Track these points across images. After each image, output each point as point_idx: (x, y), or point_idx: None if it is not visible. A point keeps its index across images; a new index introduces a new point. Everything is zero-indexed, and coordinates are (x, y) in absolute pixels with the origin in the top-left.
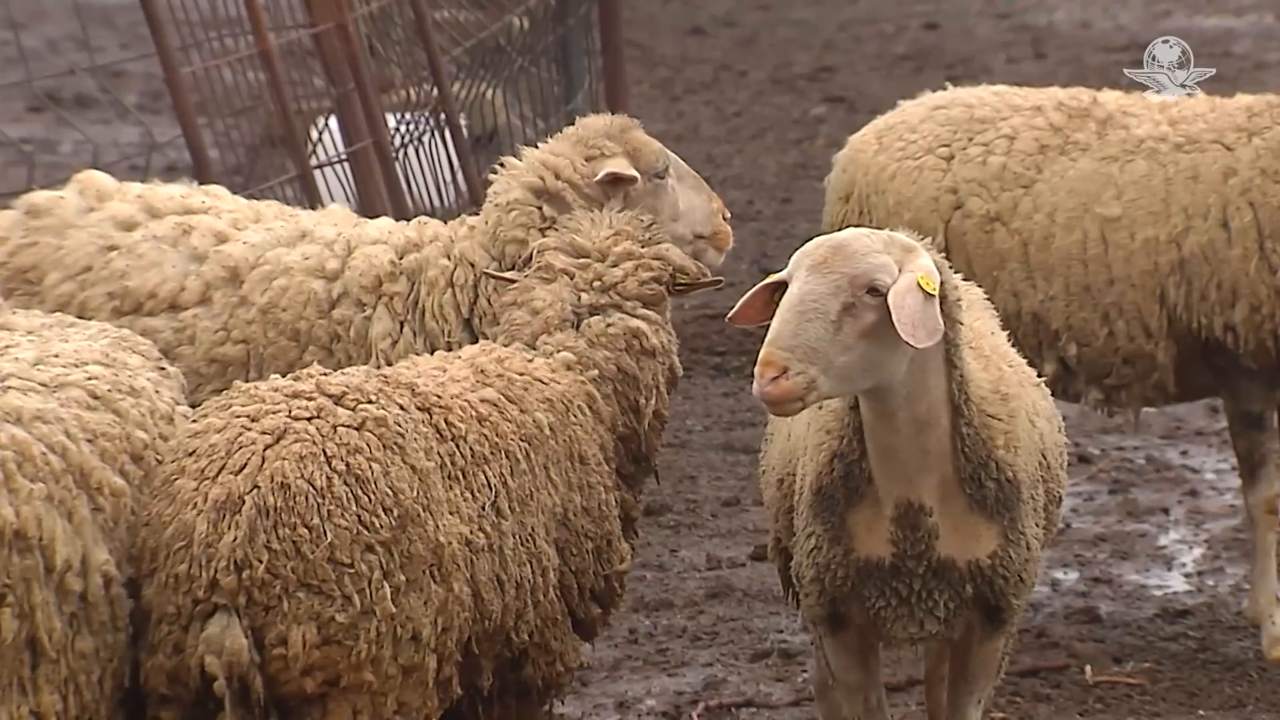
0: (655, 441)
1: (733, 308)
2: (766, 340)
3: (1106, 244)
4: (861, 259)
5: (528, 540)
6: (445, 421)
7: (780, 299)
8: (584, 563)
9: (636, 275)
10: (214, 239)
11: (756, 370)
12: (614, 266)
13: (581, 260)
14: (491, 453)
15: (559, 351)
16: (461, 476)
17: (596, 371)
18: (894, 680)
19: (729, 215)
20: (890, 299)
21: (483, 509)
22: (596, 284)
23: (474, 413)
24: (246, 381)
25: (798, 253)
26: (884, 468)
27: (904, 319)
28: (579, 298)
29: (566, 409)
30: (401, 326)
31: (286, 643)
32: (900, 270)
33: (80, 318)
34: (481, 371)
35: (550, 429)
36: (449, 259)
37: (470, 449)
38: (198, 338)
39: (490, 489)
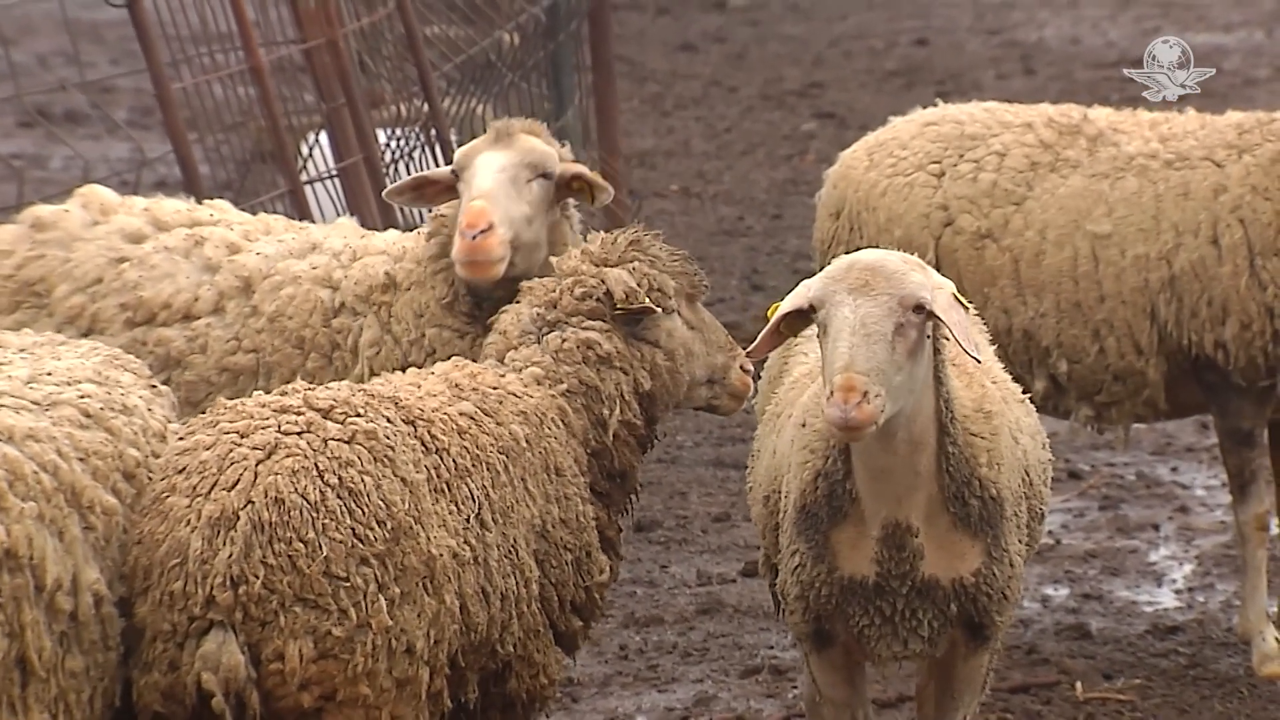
0: (630, 457)
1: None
2: (839, 366)
3: (1097, 261)
4: (903, 278)
5: (511, 552)
6: (429, 434)
7: (788, 328)
8: (564, 574)
9: (572, 291)
10: (227, 250)
11: (838, 396)
12: (560, 283)
13: (545, 280)
14: (473, 465)
15: (527, 367)
16: (446, 489)
17: (565, 385)
18: (884, 697)
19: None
20: (944, 317)
21: (467, 521)
22: (548, 300)
23: (454, 425)
24: (256, 390)
25: (823, 278)
26: (874, 489)
27: (962, 335)
28: (534, 314)
29: (540, 422)
30: (386, 335)
31: (283, 657)
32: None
33: (91, 329)
34: (456, 386)
35: (526, 441)
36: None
37: (454, 461)
38: (210, 347)
39: (474, 501)
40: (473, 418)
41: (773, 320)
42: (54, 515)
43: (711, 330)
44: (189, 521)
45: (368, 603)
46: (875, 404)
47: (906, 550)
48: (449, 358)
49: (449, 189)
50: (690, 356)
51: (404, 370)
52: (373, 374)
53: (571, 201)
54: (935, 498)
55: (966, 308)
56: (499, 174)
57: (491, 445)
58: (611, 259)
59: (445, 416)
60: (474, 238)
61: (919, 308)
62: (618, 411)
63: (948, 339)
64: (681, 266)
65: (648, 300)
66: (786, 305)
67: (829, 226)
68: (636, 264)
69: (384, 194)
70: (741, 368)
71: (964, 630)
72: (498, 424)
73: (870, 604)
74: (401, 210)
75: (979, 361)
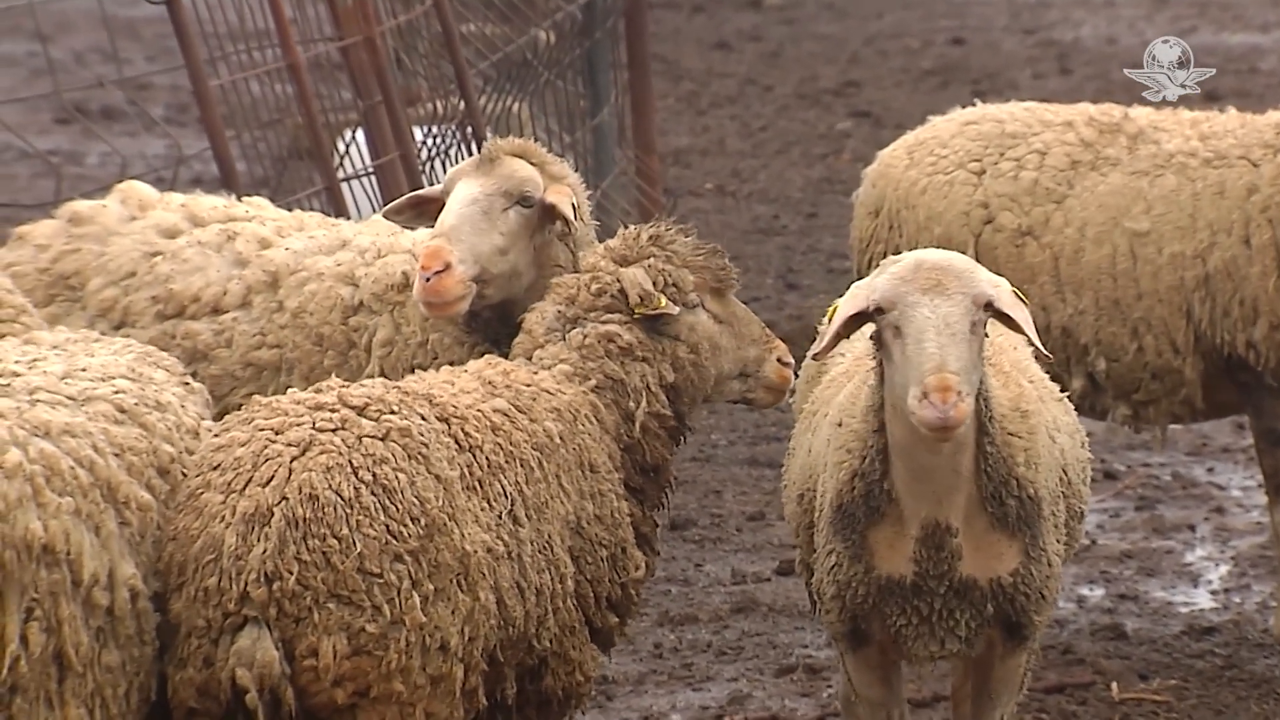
0: (662, 450)
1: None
2: (931, 366)
3: (1135, 258)
4: (973, 276)
5: (545, 548)
6: (463, 431)
7: (846, 330)
8: (599, 570)
9: (589, 288)
10: (258, 244)
11: (934, 397)
12: (580, 279)
13: (568, 277)
14: (507, 461)
15: (556, 364)
16: (479, 486)
17: (593, 381)
18: (919, 696)
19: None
20: (1013, 313)
21: (500, 517)
22: (568, 297)
23: (488, 422)
24: (278, 386)
25: (890, 280)
26: (915, 489)
27: (1031, 331)
28: (557, 311)
29: (574, 418)
30: (398, 336)
31: (317, 654)
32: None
33: (123, 323)
34: (489, 383)
35: (560, 438)
36: None
37: (487, 458)
38: (235, 341)
39: (507, 497)
40: (506, 414)
41: (835, 323)
42: (90, 510)
43: (744, 323)
44: (223, 518)
45: (401, 599)
46: (968, 402)
47: (945, 550)
48: (450, 363)
49: (443, 205)
50: (716, 350)
51: (412, 372)
52: (383, 374)
53: (582, 222)
54: (973, 497)
55: (1026, 304)
56: (468, 207)
57: (525, 442)
58: (631, 255)
59: (479, 414)
60: (428, 279)
61: (988, 305)
62: (644, 403)
63: (988, 335)
64: (705, 260)
65: (663, 301)
66: (847, 308)
67: (867, 225)
68: (653, 260)
69: (382, 212)
70: (780, 360)
71: (1001, 630)
72: (531, 421)
73: (907, 603)
74: None
75: (1049, 358)
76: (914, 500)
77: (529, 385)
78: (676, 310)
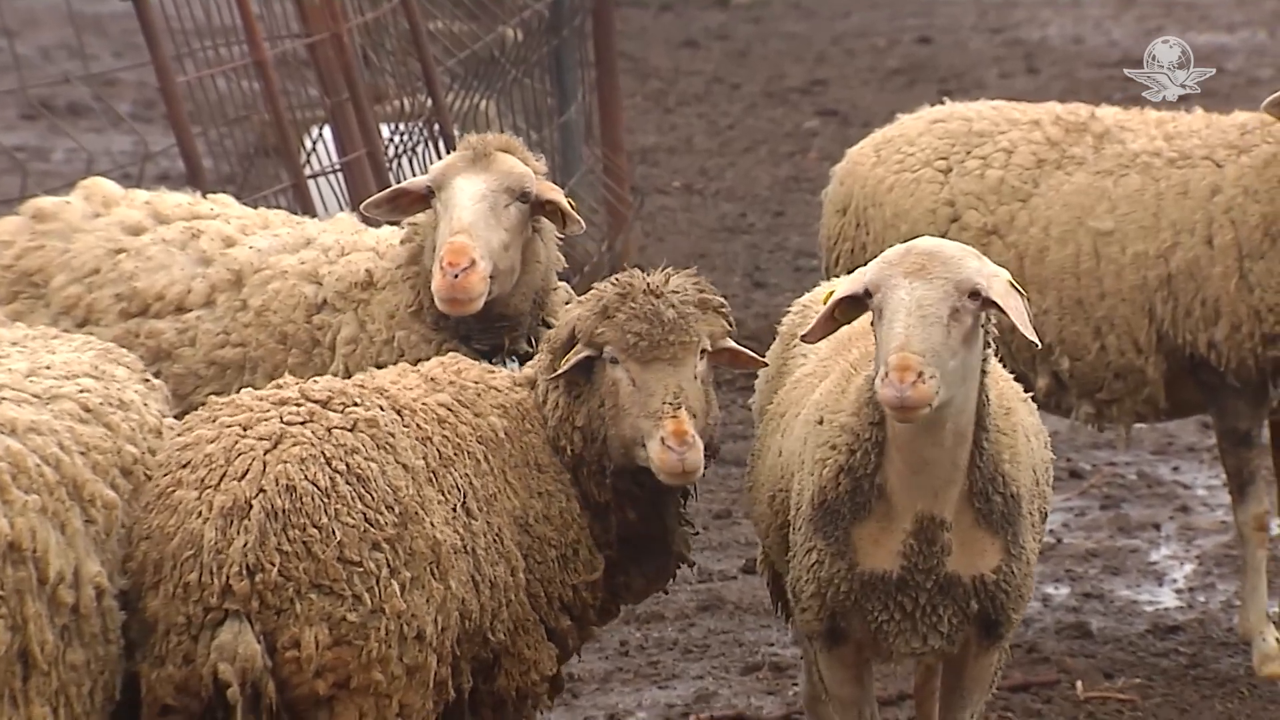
0: (593, 486)
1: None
2: (894, 345)
3: (1099, 258)
4: (960, 264)
5: (496, 540)
6: (416, 424)
7: (842, 314)
8: (549, 570)
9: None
10: (222, 243)
11: (893, 376)
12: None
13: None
14: (455, 454)
15: (525, 369)
16: (434, 478)
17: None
18: (885, 694)
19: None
20: (1002, 303)
21: (454, 510)
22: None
23: (434, 415)
24: (242, 385)
25: (879, 263)
26: (913, 482)
27: (1020, 321)
28: None
29: (521, 417)
30: (362, 333)
31: (300, 645)
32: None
33: (87, 320)
34: (432, 379)
35: (505, 434)
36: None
37: (438, 450)
38: (199, 339)
39: (459, 490)
40: (449, 408)
41: (827, 306)
42: (56, 508)
43: (647, 394)
44: (200, 513)
45: (381, 587)
46: (930, 385)
47: (937, 544)
48: (416, 361)
49: (422, 200)
50: (618, 411)
51: (378, 369)
52: (348, 372)
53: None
54: (963, 493)
55: (1023, 295)
56: (479, 203)
57: (470, 434)
58: (590, 300)
59: (425, 406)
60: (456, 276)
61: (975, 294)
62: (553, 431)
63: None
64: (624, 322)
65: (561, 362)
66: (841, 290)
67: (835, 222)
68: (583, 309)
69: (361, 206)
70: (664, 441)
71: (978, 628)
72: (476, 415)
73: (891, 599)
74: None
75: (1039, 346)
76: (909, 494)
77: (476, 382)
78: (555, 373)
